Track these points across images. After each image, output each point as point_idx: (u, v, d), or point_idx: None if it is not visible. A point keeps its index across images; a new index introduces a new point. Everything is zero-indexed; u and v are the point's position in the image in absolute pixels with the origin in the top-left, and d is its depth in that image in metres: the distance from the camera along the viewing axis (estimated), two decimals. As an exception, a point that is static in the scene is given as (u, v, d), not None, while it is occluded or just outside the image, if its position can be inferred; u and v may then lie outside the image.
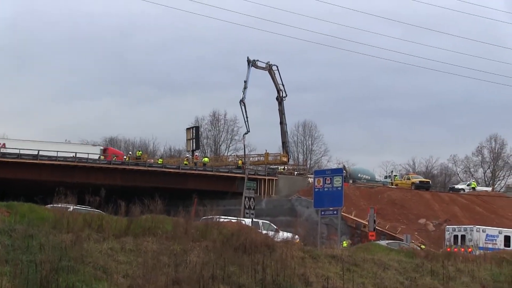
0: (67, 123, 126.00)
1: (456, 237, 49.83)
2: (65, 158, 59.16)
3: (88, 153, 61.05)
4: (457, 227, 51.87)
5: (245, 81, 69.77)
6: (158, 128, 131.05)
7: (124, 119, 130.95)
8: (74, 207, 21.35)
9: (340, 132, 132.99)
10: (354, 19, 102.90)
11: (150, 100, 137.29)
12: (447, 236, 51.05)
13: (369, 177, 74.13)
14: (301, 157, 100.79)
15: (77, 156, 59.70)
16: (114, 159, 64.80)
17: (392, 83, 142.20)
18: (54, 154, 57.91)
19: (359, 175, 73.19)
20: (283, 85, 72.32)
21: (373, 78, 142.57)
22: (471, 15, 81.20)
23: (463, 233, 49.97)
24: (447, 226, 53.82)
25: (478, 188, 77.93)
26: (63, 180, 50.90)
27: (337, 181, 35.03)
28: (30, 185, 53.02)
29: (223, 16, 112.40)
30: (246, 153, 74.30)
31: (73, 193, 20.82)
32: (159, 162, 68.79)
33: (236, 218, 33.34)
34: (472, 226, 51.12)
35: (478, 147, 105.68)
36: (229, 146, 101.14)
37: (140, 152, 75.67)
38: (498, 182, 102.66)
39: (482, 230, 49.70)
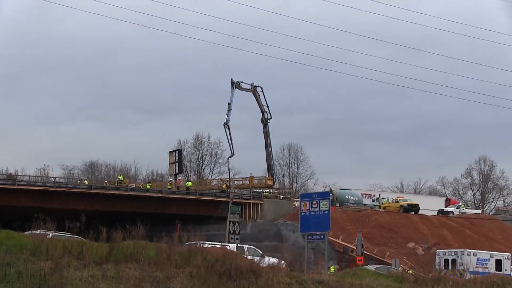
0: (46, 148, 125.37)
1: (446, 261, 49.82)
2: (44, 183, 58.43)
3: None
4: (448, 251, 51.78)
5: (229, 103, 69.68)
6: (140, 151, 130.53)
7: (105, 143, 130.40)
8: (54, 233, 21.18)
9: (326, 155, 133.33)
10: (340, 39, 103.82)
11: (131, 123, 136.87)
12: (437, 260, 50.91)
13: (356, 198, 74.03)
14: (286, 180, 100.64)
15: (56, 181, 59.33)
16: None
17: (378, 105, 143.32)
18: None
19: (346, 196, 73.15)
20: (267, 106, 72.42)
21: (359, 100, 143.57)
22: (456, 34, 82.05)
23: (454, 257, 49.86)
24: (438, 250, 53.78)
25: (468, 210, 77.99)
26: (42, 205, 50.51)
27: (324, 205, 35.22)
28: (7, 211, 52.46)
29: (206, 37, 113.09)
30: (230, 177, 74.00)
31: (53, 219, 20.64)
32: (147, 186, 68.66)
33: (220, 243, 33.29)
34: (463, 250, 51.09)
35: (467, 169, 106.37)
36: (213, 170, 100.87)
37: (121, 177, 75.27)
38: (488, 205, 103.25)
39: (473, 254, 49.70)
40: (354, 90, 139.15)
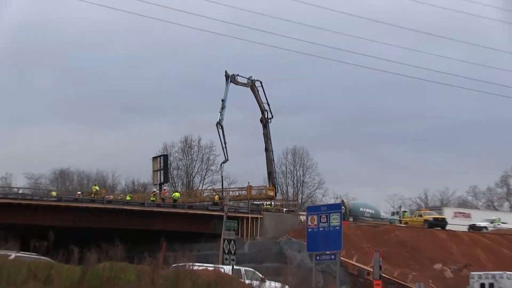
0: (8, 153, 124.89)
1: (483, 285, 49.79)
2: (5, 195, 58.05)
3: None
4: (484, 274, 51.28)
5: (222, 100, 69.81)
6: (119, 157, 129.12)
7: (78, 147, 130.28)
8: (17, 254, 21.08)
9: (337, 161, 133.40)
10: (353, 27, 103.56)
11: (110, 124, 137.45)
12: (471, 284, 50.69)
13: (373, 211, 74.44)
14: (291, 190, 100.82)
15: (20, 192, 59.16)
16: None
17: (398, 102, 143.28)
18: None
19: (361, 209, 73.66)
20: (268, 104, 72.58)
21: (376, 96, 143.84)
22: (490, 20, 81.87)
23: (491, 280, 49.58)
24: (472, 273, 53.33)
25: (504, 225, 77.90)
26: (3, 221, 50.50)
27: (335, 219, 35.75)
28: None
29: (197, 24, 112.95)
30: (224, 186, 74.37)
31: (15, 237, 20.56)
32: (127, 198, 68.77)
33: (213, 265, 33.10)
34: (502, 272, 50.58)
35: (502, 176, 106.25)
36: (204, 178, 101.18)
37: (97, 187, 75.10)
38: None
39: (514, 276, 49.34)
40: (369, 85, 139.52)
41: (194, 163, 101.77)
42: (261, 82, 72.24)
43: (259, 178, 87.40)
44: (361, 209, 74.11)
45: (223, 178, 75.18)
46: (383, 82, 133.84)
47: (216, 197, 69.44)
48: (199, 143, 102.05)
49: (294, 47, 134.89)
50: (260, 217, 65.74)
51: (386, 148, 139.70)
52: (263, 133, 73.45)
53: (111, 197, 72.13)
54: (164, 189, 73.99)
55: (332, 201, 79.64)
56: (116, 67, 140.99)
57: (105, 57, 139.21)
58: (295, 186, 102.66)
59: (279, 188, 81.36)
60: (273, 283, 30.99)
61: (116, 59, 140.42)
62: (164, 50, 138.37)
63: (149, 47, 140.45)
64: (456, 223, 73.11)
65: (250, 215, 65.31)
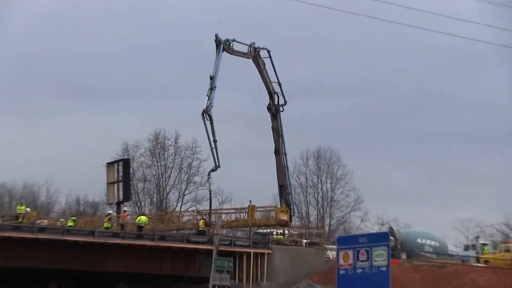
0: None
1: None
2: None
3: None
4: None
5: (211, 78, 70.02)
6: (58, 163, 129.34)
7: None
8: None
9: (381, 168, 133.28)
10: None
11: (43, 116, 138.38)
12: None
13: (436, 244, 74.89)
14: (313, 212, 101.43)
15: None
16: None
17: (467, 84, 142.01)
18: None
19: (419, 241, 73.96)
20: (279, 84, 73.17)
21: (431, 74, 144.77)
22: None
23: None
24: None
25: None
26: None
27: (380, 256, 36.83)
28: None
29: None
30: (214, 207, 75.42)
31: None
32: (69, 224, 68.42)
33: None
34: None
35: None
36: (184, 195, 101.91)
37: (24, 207, 74.09)
38: None
39: None
40: (422, 57, 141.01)
41: (169, 171, 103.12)
42: (268, 51, 72.63)
43: (265, 195, 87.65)
44: (418, 240, 74.70)
45: (212, 195, 75.23)
46: (447, 55, 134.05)
47: (202, 222, 69.25)
48: (176, 142, 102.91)
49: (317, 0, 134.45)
50: (268, 253, 66.06)
51: (454, 150, 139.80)
52: (272, 127, 74.14)
53: (45, 222, 72.00)
54: (124, 211, 73.93)
55: (375, 229, 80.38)
56: (54, 34, 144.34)
57: (37, 20, 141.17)
58: (319, 206, 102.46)
59: (295, 210, 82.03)
60: None
61: (53, 22, 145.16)
62: (130, 17, 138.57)
63: (111, 13, 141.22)
64: None
65: (252, 250, 65.49)
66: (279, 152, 73.71)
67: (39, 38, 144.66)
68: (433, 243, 74.98)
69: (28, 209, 73.99)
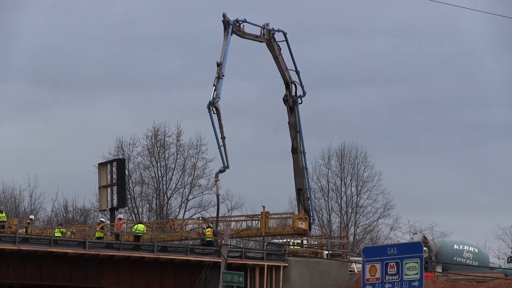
0: None
1: None
2: None
3: None
4: None
5: (218, 65, 69.38)
6: (43, 163, 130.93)
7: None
8: None
9: (415, 168, 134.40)
10: None
11: (29, 107, 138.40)
12: None
13: (476, 250, 74.58)
14: (336, 220, 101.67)
15: None
16: None
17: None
18: None
19: (455, 246, 73.38)
20: (297, 72, 72.75)
21: (480, 59, 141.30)
22: None
23: None
24: None
25: None
26: None
27: (411, 269, 35.79)
28: None
29: None
30: (223, 214, 76.36)
31: None
32: (56, 233, 67.43)
33: None
34: None
35: None
36: (188, 200, 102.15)
37: (3, 214, 71.49)
38: None
39: None
40: (468, 38, 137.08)
41: (171, 173, 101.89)
42: (285, 34, 72.42)
43: (281, 200, 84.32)
44: (455, 247, 74.20)
45: (220, 200, 75.70)
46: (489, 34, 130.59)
47: (209, 231, 68.81)
48: (178, 140, 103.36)
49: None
50: (284, 266, 66.21)
51: (495, 148, 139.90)
52: (289, 122, 73.78)
53: (28, 230, 69.28)
54: (119, 219, 74.06)
55: (407, 239, 79.52)
56: (42, 14, 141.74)
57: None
58: (343, 213, 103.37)
59: (316, 217, 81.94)
60: None
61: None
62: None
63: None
64: None
65: (266, 263, 65.91)
66: (296, 150, 73.21)
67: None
68: (471, 254, 73.55)
69: (3, 216, 71.18)
